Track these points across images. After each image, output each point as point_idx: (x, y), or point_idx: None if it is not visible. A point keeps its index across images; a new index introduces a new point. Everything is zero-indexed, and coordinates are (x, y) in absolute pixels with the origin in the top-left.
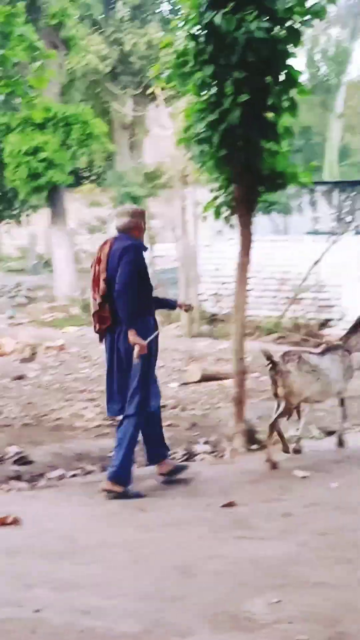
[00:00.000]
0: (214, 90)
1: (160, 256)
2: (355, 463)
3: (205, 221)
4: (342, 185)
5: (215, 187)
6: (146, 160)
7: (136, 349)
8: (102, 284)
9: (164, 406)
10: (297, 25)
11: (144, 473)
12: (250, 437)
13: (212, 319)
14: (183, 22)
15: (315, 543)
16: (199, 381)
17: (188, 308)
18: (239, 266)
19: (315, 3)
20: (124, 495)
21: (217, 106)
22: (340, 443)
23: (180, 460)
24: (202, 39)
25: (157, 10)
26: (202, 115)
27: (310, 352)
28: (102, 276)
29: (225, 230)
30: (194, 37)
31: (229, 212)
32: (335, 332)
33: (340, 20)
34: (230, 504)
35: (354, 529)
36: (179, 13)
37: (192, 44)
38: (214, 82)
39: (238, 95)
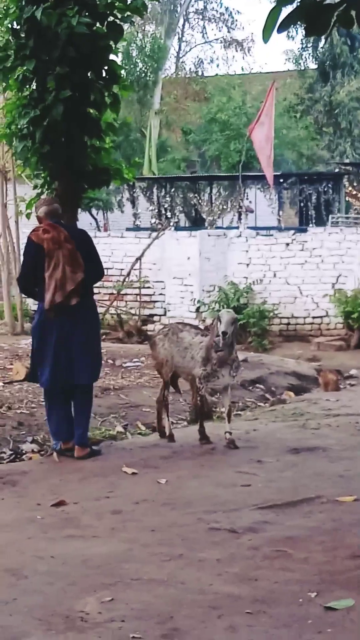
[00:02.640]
0: (35, 85)
1: None
2: (183, 458)
3: (29, 218)
4: (161, 181)
5: (38, 183)
6: None
7: None
8: (82, 262)
9: None
10: (117, 21)
11: None
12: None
13: None
14: (2, 16)
15: (145, 540)
16: (24, 379)
17: None
18: None
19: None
20: (97, 452)
21: (39, 102)
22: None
23: (7, 460)
24: (23, 34)
25: None
26: (24, 110)
27: (188, 326)
28: (80, 255)
29: None
30: (14, 31)
31: None
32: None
33: (156, 17)
34: (60, 503)
35: (183, 524)
36: None
37: (12, 39)
38: (36, 78)
39: (60, 91)
